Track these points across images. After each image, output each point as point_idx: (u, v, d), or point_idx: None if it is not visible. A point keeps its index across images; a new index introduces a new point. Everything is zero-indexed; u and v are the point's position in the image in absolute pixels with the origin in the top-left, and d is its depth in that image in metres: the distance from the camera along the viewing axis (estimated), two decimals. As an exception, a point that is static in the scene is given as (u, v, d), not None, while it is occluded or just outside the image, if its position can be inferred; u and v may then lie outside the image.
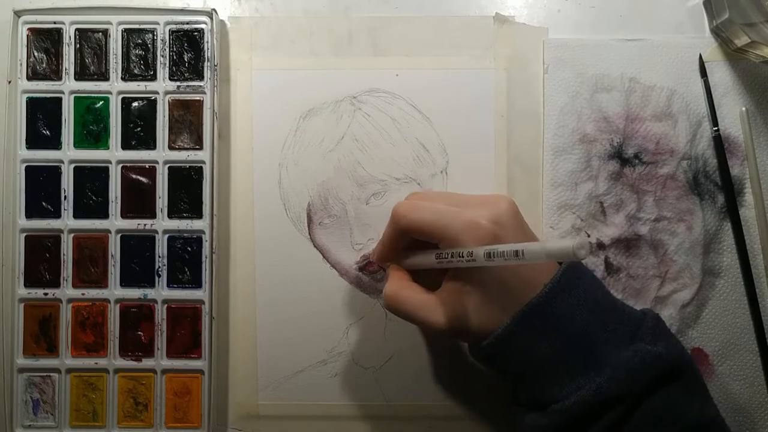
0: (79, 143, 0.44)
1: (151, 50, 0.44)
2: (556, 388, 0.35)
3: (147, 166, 0.44)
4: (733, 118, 0.44)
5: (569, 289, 0.35)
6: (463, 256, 0.34)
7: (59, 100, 0.44)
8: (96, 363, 0.44)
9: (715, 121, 0.44)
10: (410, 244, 0.40)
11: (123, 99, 0.44)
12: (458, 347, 0.44)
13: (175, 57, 0.44)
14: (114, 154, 0.44)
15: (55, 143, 0.44)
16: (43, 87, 0.44)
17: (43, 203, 0.44)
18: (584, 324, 0.35)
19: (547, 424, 0.35)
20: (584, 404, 0.34)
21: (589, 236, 0.44)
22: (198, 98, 0.44)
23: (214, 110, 0.44)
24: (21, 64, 0.44)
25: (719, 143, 0.43)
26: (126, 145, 0.44)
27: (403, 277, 0.39)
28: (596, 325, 0.35)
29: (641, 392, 0.34)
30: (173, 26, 0.44)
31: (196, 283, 0.44)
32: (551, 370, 0.35)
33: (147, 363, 0.44)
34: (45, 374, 0.44)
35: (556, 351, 0.35)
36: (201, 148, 0.44)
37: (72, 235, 0.44)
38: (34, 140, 0.44)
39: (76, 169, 0.44)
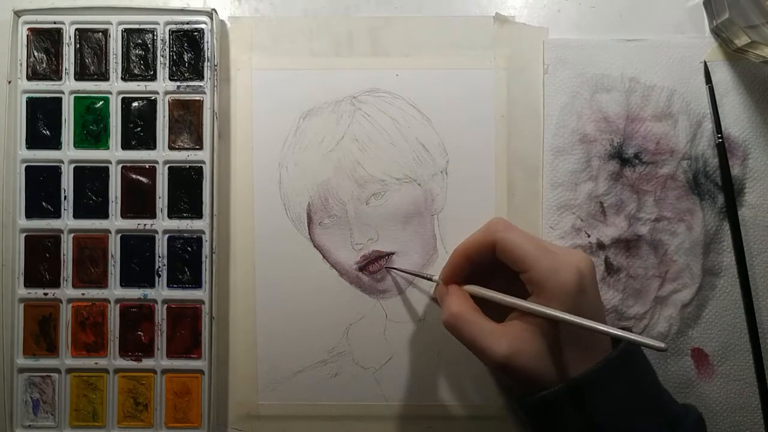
0: (79, 143, 0.44)
1: (151, 50, 0.44)
2: None
3: (147, 166, 0.44)
4: (733, 119, 0.44)
5: (626, 366, 0.36)
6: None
7: (59, 100, 0.44)
8: (96, 363, 0.44)
9: (719, 128, 0.44)
10: (475, 269, 0.40)
11: (123, 99, 0.44)
12: (458, 347, 0.44)
13: (175, 57, 0.44)
14: (114, 154, 0.44)
15: (55, 143, 0.44)
16: (43, 87, 0.44)
17: (43, 203, 0.44)
18: (626, 409, 0.35)
19: None
20: None
21: (589, 236, 0.44)
22: (198, 98, 0.44)
23: (214, 110, 0.44)
24: (21, 64, 0.44)
25: (722, 151, 0.43)
26: (126, 145, 0.44)
27: (468, 298, 0.39)
28: (638, 413, 0.35)
29: None
30: (173, 26, 0.44)
31: (196, 283, 0.44)
32: None
33: (147, 363, 0.44)
34: (45, 374, 0.44)
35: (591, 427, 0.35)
36: (201, 148, 0.44)
37: (72, 235, 0.44)
38: (34, 140, 0.44)
39: (76, 169, 0.44)
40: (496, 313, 0.38)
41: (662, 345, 0.31)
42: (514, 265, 0.37)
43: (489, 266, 0.40)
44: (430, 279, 0.43)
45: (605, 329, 0.34)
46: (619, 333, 0.33)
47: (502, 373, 0.37)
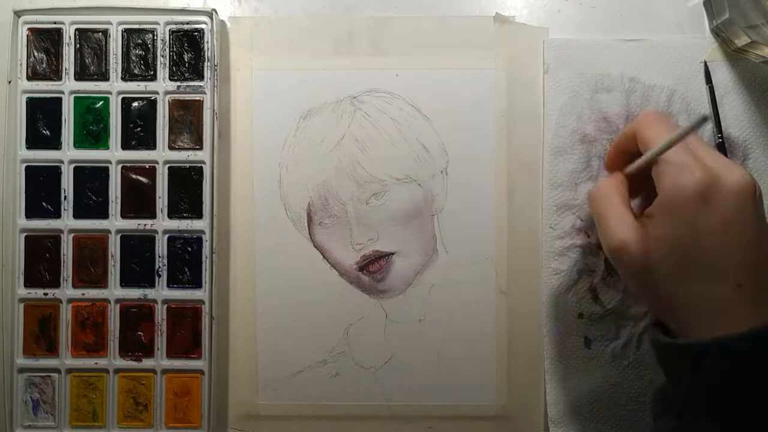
0: (79, 143, 0.44)
1: (151, 50, 0.44)
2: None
3: (147, 166, 0.44)
4: (733, 119, 0.44)
5: None
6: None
7: (59, 100, 0.44)
8: (96, 363, 0.44)
9: (719, 128, 0.44)
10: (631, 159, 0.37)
11: (123, 99, 0.44)
12: (458, 346, 0.45)
13: (175, 57, 0.44)
14: (114, 154, 0.44)
15: (55, 143, 0.44)
16: (43, 87, 0.44)
17: (43, 203, 0.44)
18: None
19: None
20: None
21: (589, 236, 0.44)
22: (198, 98, 0.44)
23: (214, 110, 0.44)
24: (21, 64, 0.44)
25: (723, 151, 0.43)
26: (126, 145, 0.44)
27: (621, 183, 0.37)
28: None
29: None
30: (173, 26, 0.44)
31: (196, 283, 0.44)
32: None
33: (147, 363, 0.44)
34: (45, 374, 0.44)
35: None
36: (201, 148, 0.44)
37: (72, 235, 0.44)
38: (34, 140, 0.44)
39: (76, 169, 0.44)
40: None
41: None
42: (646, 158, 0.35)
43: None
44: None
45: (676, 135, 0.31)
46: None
47: (613, 260, 0.34)
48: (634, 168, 0.37)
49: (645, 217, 0.34)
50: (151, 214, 0.44)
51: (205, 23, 0.44)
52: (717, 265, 0.32)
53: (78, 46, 0.44)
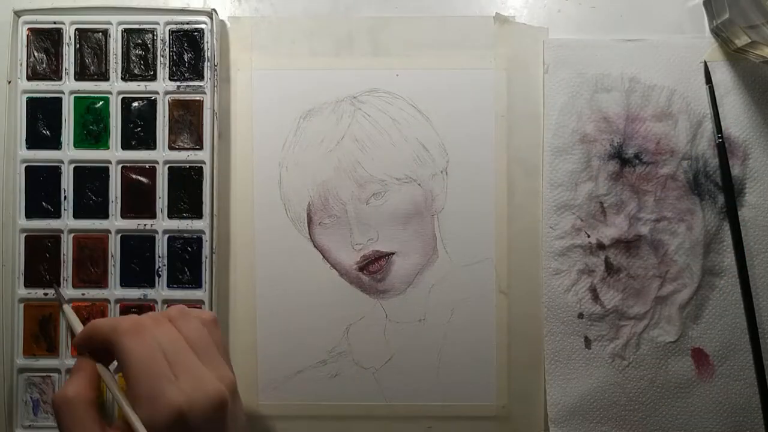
0: (79, 143, 0.44)
1: (151, 50, 0.44)
2: None
3: (147, 166, 0.44)
4: (733, 119, 0.44)
5: None
6: None
7: (59, 100, 0.44)
8: (96, 363, 0.44)
9: (719, 128, 0.44)
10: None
11: (123, 99, 0.44)
12: (458, 346, 0.44)
13: (175, 57, 0.44)
14: (114, 154, 0.44)
15: (55, 143, 0.44)
16: (43, 87, 0.44)
17: (43, 203, 0.44)
18: None
19: None
20: None
21: (589, 236, 0.44)
22: (198, 98, 0.44)
23: (214, 110, 0.44)
24: (21, 64, 0.44)
25: (722, 151, 0.43)
26: (126, 145, 0.44)
27: (94, 386, 0.33)
28: None
29: None
30: (173, 26, 0.44)
31: (196, 283, 0.44)
32: None
33: (147, 363, 0.44)
34: (45, 374, 0.44)
35: None
36: (201, 148, 0.44)
37: (72, 235, 0.44)
38: (34, 140, 0.44)
39: (76, 169, 0.44)
40: None
41: None
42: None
43: None
44: (61, 305, 0.38)
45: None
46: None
47: None
48: (108, 384, 0.33)
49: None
50: (151, 214, 0.44)
51: (205, 23, 0.44)
52: None
53: (78, 46, 0.44)
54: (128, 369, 0.31)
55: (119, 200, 0.44)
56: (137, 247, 0.44)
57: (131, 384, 0.31)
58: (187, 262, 0.44)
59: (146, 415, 0.30)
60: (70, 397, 0.32)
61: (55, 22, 0.44)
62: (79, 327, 0.36)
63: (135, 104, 0.44)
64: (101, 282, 0.44)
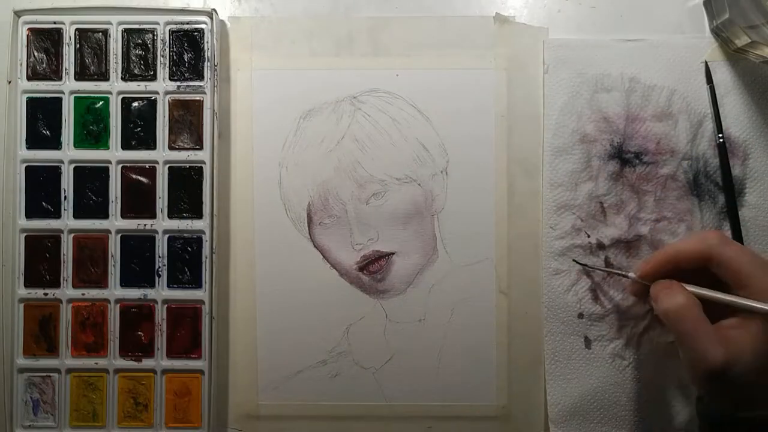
0: (79, 143, 0.44)
1: (151, 50, 0.44)
2: None
3: (147, 166, 0.44)
4: (733, 119, 0.44)
5: None
6: None
7: (59, 100, 0.44)
8: (96, 363, 0.44)
9: (719, 128, 0.44)
10: (675, 275, 0.38)
11: (123, 99, 0.44)
12: (458, 346, 0.44)
13: (175, 57, 0.44)
14: (114, 154, 0.44)
15: (55, 143, 0.44)
16: (43, 87, 0.44)
17: (43, 203, 0.44)
18: None
19: None
20: None
21: (589, 236, 0.44)
22: (198, 98, 0.44)
23: (214, 110, 0.44)
24: (21, 64, 0.44)
25: (723, 151, 0.43)
26: (126, 145, 0.44)
27: (693, 296, 0.37)
28: None
29: None
30: (173, 26, 0.44)
31: (196, 283, 0.44)
32: None
33: (147, 363, 0.44)
34: (45, 374, 0.44)
35: None
36: (201, 148, 0.44)
37: (72, 235, 0.44)
38: (34, 140, 0.44)
39: (76, 169, 0.44)
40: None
41: None
42: (733, 281, 0.36)
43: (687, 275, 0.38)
44: (626, 276, 0.41)
45: None
46: None
47: (714, 381, 0.34)
48: (714, 298, 0.37)
49: (735, 326, 0.35)
50: (151, 214, 0.44)
51: (205, 23, 0.44)
52: None
53: (78, 46, 0.44)
54: (743, 272, 0.35)
55: (119, 200, 0.44)
56: (137, 247, 0.44)
57: (754, 282, 0.35)
58: (187, 262, 0.44)
59: None
60: (684, 303, 0.36)
61: (55, 22, 0.44)
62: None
63: (135, 104, 0.44)
64: (101, 282, 0.44)
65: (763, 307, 0.34)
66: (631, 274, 0.40)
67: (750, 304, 0.35)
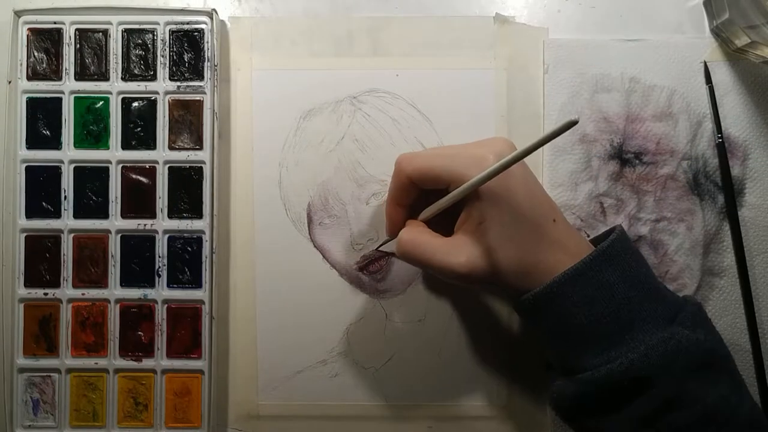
0: (79, 143, 0.44)
1: (151, 50, 0.44)
2: (587, 357, 0.35)
3: (147, 166, 0.44)
4: (733, 119, 0.44)
5: (615, 260, 0.35)
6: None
7: (59, 100, 0.44)
8: (96, 363, 0.44)
9: (719, 128, 0.44)
10: (415, 203, 0.39)
11: (123, 99, 0.44)
12: (458, 346, 0.44)
13: (175, 57, 0.44)
14: (114, 154, 0.44)
15: (55, 143, 0.44)
16: (43, 87, 0.44)
17: (43, 203, 0.44)
18: (624, 298, 0.34)
19: (573, 392, 0.35)
20: (613, 379, 0.33)
21: (589, 236, 0.44)
22: (198, 98, 0.44)
23: (214, 110, 0.44)
24: (21, 64, 0.44)
25: (722, 151, 0.43)
26: (126, 145, 0.44)
27: (420, 225, 0.39)
28: (636, 302, 0.34)
29: (675, 377, 0.33)
30: (173, 26, 0.44)
31: (196, 283, 0.44)
32: (586, 337, 0.35)
33: (147, 363, 0.44)
34: (45, 374, 0.44)
35: (592, 319, 0.34)
36: (201, 148, 0.44)
37: (72, 235, 0.44)
38: (34, 140, 0.44)
39: (76, 169, 0.44)
40: (454, 223, 0.37)
41: (575, 117, 0.29)
42: (438, 186, 0.36)
43: (424, 200, 0.39)
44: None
45: (531, 145, 0.31)
46: (538, 139, 0.31)
47: (469, 282, 0.36)
48: (444, 204, 0.37)
49: (467, 231, 0.36)
50: (151, 214, 0.44)
51: (205, 23, 0.44)
52: (542, 222, 0.36)
53: (78, 46, 0.44)
54: (434, 167, 0.36)
55: (119, 200, 0.44)
56: (137, 247, 0.44)
57: (446, 172, 0.36)
58: (187, 261, 0.44)
59: (477, 173, 0.34)
60: (408, 237, 0.37)
61: (55, 22, 0.44)
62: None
63: (135, 104, 0.44)
64: (101, 282, 0.44)
65: (469, 183, 0.34)
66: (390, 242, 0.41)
67: (458, 190, 0.35)
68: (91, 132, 0.44)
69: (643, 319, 0.34)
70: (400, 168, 0.38)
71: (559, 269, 0.35)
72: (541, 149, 0.45)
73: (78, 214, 0.44)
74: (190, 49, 0.44)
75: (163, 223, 0.44)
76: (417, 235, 0.37)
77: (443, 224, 0.38)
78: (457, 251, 0.35)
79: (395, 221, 0.40)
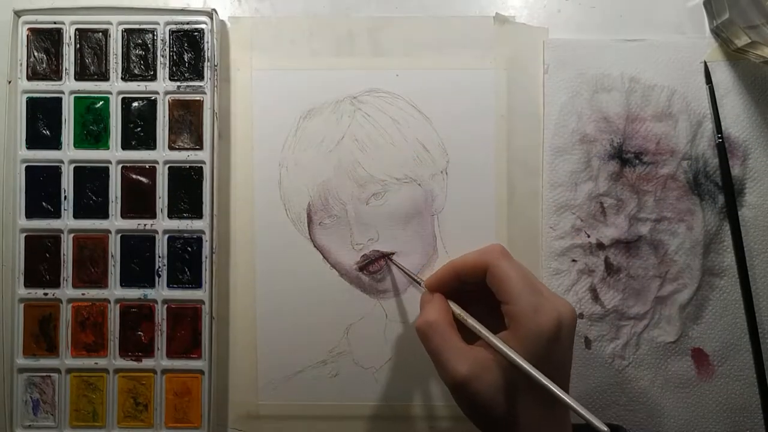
0: (79, 143, 0.44)
1: (151, 50, 0.44)
2: None
3: (147, 166, 0.44)
4: (733, 119, 0.44)
5: None
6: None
7: (59, 100, 0.44)
8: (96, 363, 0.44)
9: (719, 128, 0.44)
10: (462, 287, 0.39)
11: (123, 99, 0.44)
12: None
13: (175, 57, 0.44)
14: (114, 154, 0.44)
15: (55, 143, 0.44)
16: (43, 87, 0.44)
17: (43, 203, 0.44)
18: None
19: None
20: None
21: (589, 236, 0.44)
22: (198, 98, 0.44)
23: (214, 110, 0.44)
24: (21, 64, 0.44)
25: (722, 151, 0.43)
26: (126, 145, 0.44)
27: (448, 312, 0.38)
28: None
29: None
30: (173, 26, 0.44)
31: (196, 283, 0.44)
32: None
33: (147, 363, 0.44)
34: (45, 374, 0.44)
35: None
36: (201, 148, 0.44)
37: (72, 235, 0.44)
38: (34, 140, 0.44)
39: (76, 169, 0.44)
40: (472, 338, 0.37)
41: (605, 429, 0.31)
42: (499, 294, 0.36)
43: (476, 290, 0.38)
44: (419, 283, 0.41)
45: (559, 394, 0.33)
46: (570, 402, 0.32)
47: (456, 394, 0.35)
48: (462, 317, 0.37)
49: (485, 346, 0.36)
50: (151, 214, 0.44)
51: (205, 23, 0.44)
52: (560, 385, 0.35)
53: (78, 46, 0.44)
54: (511, 286, 0.35)
55: (119, 200, 0.44)
56: (137, 247, 0.44)
57: (514, 300, 0.35)
58: (187, 262, 0.44)
59: (533, 326, 0.34)
60: (433, 321, 0.36)
61: (55, 22, 0.44)
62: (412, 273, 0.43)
63: (135, 104, 0.44)
64: (101, 282, 0.44)
65: (495, 342, 0.35)
66: (423, 282, 0.40)
67: (487, 336, 0.35)
68: (91, 132, 0.44)
69: None
70: (489, 254, 0.37)
71: None
72: (541, 149, 0.45)
73: (78, 214, 0.44)
74: (190, 49, 0.44)
75: (163, 223, 0.44)
76: (441, 324, 0.36)
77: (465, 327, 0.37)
78: (464, 362, 0.35)
79: (442, 281, 0.39)
